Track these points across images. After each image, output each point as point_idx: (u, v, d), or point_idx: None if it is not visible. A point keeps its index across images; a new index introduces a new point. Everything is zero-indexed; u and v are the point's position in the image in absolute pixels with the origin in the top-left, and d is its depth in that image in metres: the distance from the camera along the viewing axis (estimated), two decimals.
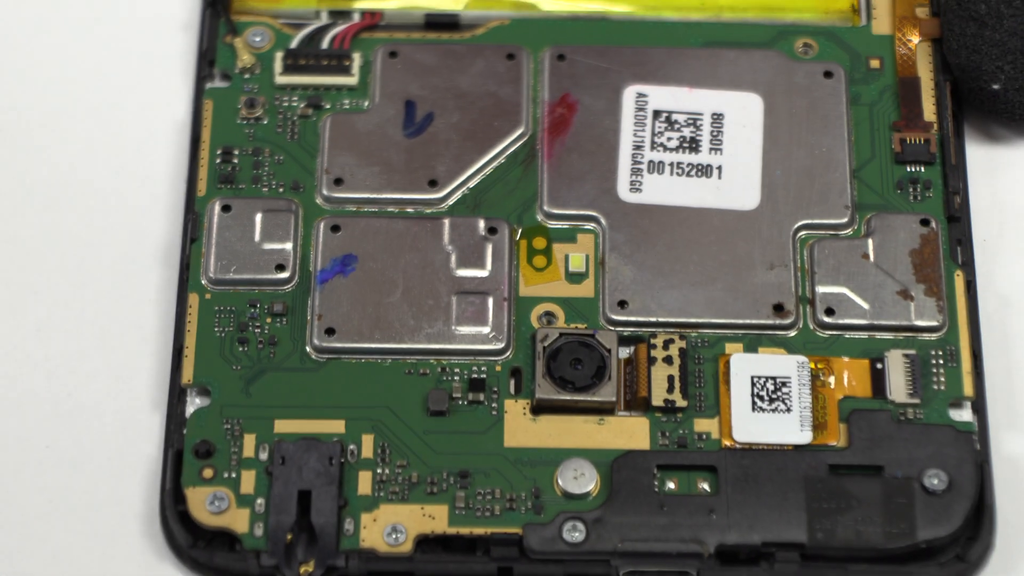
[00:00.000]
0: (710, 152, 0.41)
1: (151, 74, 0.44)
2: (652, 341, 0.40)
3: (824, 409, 0.39)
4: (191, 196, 0.41)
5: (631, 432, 0.39)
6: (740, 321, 0.40)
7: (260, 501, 0.38)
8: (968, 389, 0.39)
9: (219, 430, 0.39)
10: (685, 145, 0.42)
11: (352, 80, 0.42)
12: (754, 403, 0.39)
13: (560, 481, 0.38)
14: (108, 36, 0.44)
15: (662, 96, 0.42)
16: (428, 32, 0.43)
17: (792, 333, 0.40)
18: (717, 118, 0.42)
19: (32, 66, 0.43)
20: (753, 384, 0.39)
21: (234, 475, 0.38)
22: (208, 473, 0.38)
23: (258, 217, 0.41)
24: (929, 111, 0.42)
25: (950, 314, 0.40)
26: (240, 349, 0.40)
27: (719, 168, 0.41)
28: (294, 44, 0.42)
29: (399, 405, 0.39)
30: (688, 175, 0.41)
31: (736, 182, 0.41)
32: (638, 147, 0.42)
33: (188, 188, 0.41)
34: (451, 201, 0.41)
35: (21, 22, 0.44)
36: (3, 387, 0.40)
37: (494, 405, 0.39)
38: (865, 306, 0.40)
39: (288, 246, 0.41)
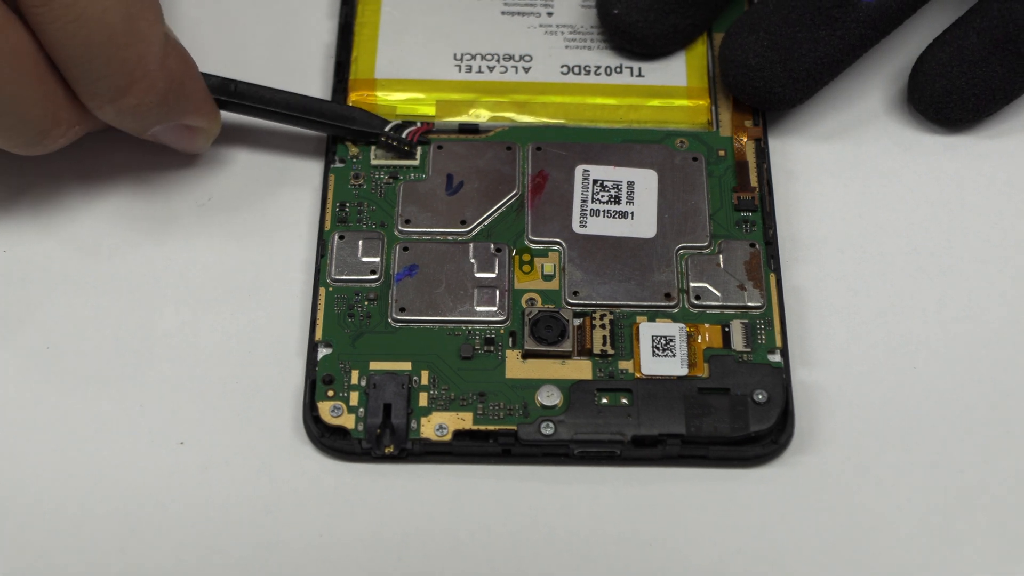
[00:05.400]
0: (626, 204, 0.39)
1: (301, 163, 0.41)
2: (593, 315, 0.38)
3: (695, 355, 0.37)
4: (321, 230, 0.39)
5: (581, 369, 0.37)
6: (645, 303, 0.38)
7: (361, 410, 0.36)
8: (778, 342, 0.37)
9: (337, 368, 0.37)
10: (612, 200, 0.39)
11: (416, 162, 0.40)
12: (653, 351, 0.37)
13: (539, 398, 0.36)
14: (283, 140, 0.42)
15: (599, 171, 0.40)
16: (461, 134, 0.41)
17: (676, 310, 0.38)
18: (631, 184, 0.40)
19: None
20: (653, 340, 0.37)
21: (346, 394, 0.36)
22: (331, 393, 0.36)
23: (360, 242, 0.39)
24: (753, 181, 0.40)
25: (767, 298, 0.38)
26: (349, 320, 0.38)
27: (632, 213, 0.39)
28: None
29: (443, 353, 0.37)
30: (614, 217, 0.39)
31: (642, 221, 0.39)
32: (584, 201, 0.39)
33: (320, 226, 0.39)
34: (474, 233, 0.39)
35: None
36: (207, 345, 0.38)
37: (500, 353, 0.37)
38: (718, 294, 0.38)
39: (378, 259, 0.38)
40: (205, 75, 0.39)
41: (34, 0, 0.34)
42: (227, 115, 0.40)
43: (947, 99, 0.40)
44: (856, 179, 0.41)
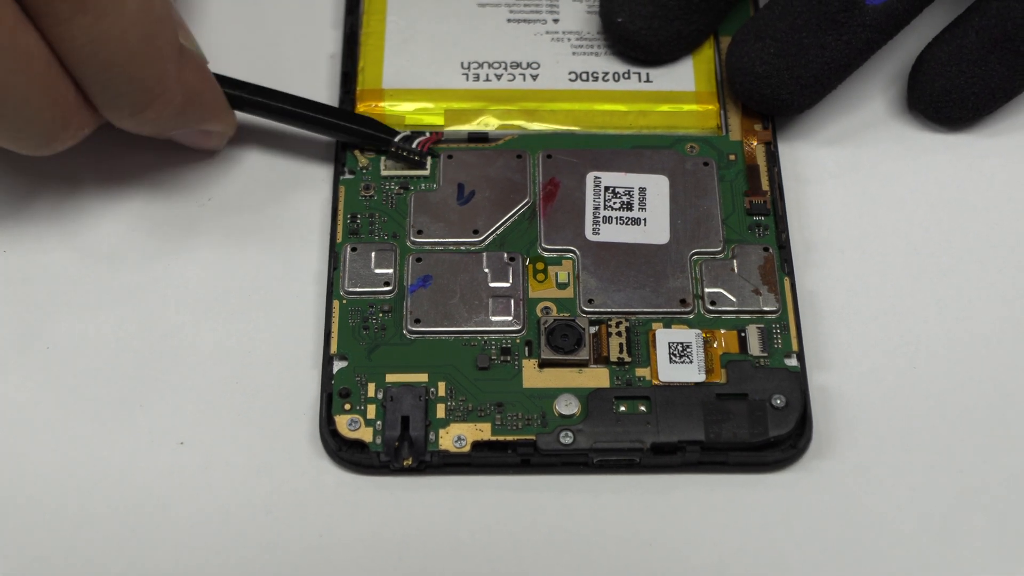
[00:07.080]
0: (639, 210, 0.39)
1: (312, 173, 0.41)
2: (609, 323, 0.37)
3: (712, 360, 0.37)
4: (333, 242, 0.39)
5: (598, 377, 0.37)
6: (661, 310, 0.38)
7: (379, 423, 0.36)
8: (795, 346, 0.37)
9: (353, 381, 0.36)
10: (624, 206, 0.39)
11: (426, 172, 0.40)
12: (670, 358, 0.37)
13: (557, 407, 0.36)
14: (297, 152, 0.41)
15: (610, 178, 0.40)
16: (470, 143, 0.40)
17: (691, 316, 0.38)
18: (642, 190, 0.39)
19: None
20: (669, 347, 0.37)
21: (363, 407, 0.36)
22: (347, 407, 0.36)
23: (372, 254, 0.38)
24: (764, 184, 0.40)
25: (782, 302, 0.38)
26: (364, 332, 0.37)
27: (644, 219, 0.39)
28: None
29: (459, 364, 0.37)
30: (626, 224, 0.39)
31: (655, 227, 0.39)
32: (596, 208, 0.39)
33: (331, 238, 0.39)
34: (487, 242, 0.39)
35: None
36: (226, 360, 0.38)
37: (516, 363, 0.37)
38: (733, 299, 0.38)
39: (391, 271, 0.38)
40: (218, 76, 0.39)
41: (53, 19, 0.33)
42: (239, 118, 0.40)
43: (946, 98, 0.40)
44: (862, 182, 0.41)
